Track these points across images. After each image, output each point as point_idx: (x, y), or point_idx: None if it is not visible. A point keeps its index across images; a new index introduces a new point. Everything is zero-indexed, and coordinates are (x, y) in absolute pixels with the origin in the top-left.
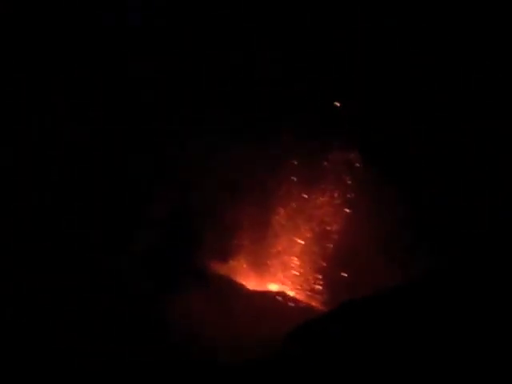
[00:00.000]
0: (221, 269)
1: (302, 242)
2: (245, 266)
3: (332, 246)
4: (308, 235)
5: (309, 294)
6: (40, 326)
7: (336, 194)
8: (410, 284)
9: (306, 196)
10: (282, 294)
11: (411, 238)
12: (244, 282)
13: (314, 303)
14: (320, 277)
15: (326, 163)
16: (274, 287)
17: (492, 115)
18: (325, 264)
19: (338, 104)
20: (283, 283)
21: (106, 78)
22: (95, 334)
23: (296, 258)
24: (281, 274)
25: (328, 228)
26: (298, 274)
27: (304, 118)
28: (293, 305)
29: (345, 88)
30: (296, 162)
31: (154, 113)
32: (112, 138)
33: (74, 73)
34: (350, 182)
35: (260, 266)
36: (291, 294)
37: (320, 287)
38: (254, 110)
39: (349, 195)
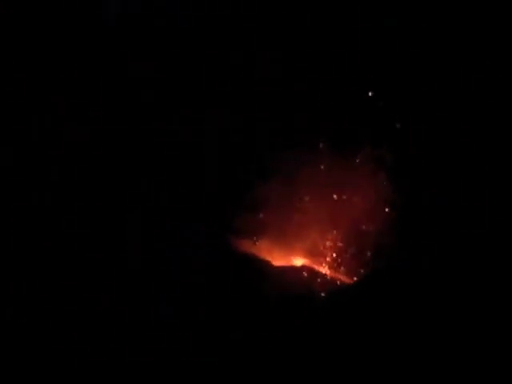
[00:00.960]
0: (246, 247)
1: (328, 220)
2: (270, 243)
3: (357, 225)
4: (334, 213)
5: (334, 269)
6: (40, 326)
7: (363, 180)
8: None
9: (332, 176)
10: (307, 268)
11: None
12: (269, 259)
13: (339, 277)
14: (345, 253)
15: (354, 154)
16: (299, 262)
17: (492, 115)
18: (349, 241)
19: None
20: (308, 259)
21: (105, 78)
22: (95, 334)
23: (321, 236)
24: (306, 250)
25: (353, 208)
26: (323, 250)
27: (305, 117)
28: (318, 279)
29: (345, 88)
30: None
31: (154, 113)
32: (112, 138)
33: (74, 73)
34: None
35: (285, 243)
36: (316, 268)
37: (344, 262)
38: (253, 110)
39: (375, 180)
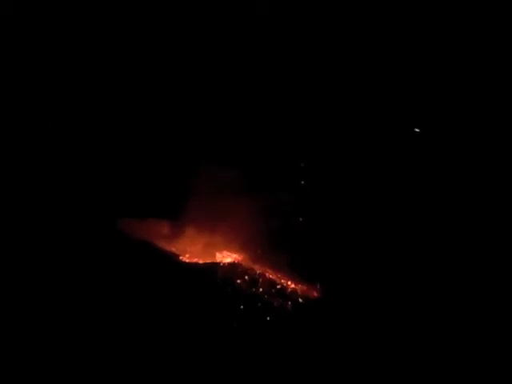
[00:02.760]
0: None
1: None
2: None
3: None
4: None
5: (261, 264)
6: (40, 326)
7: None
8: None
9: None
10: (233, 264)
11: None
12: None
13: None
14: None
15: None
16: (227, 260)
17: (492, 115)
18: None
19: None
20: (236, 254)
21: (105, 78)
22: (95, 333)
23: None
24: (234, 247)
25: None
26: (252, 248)
27: (302, 118)
28: (246, 276)
29: (345, 88)
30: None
31: (154, 113)
32: (112, 138)
33: (74, 73)
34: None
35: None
36: (245, 265)
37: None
38: (253, 110)
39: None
